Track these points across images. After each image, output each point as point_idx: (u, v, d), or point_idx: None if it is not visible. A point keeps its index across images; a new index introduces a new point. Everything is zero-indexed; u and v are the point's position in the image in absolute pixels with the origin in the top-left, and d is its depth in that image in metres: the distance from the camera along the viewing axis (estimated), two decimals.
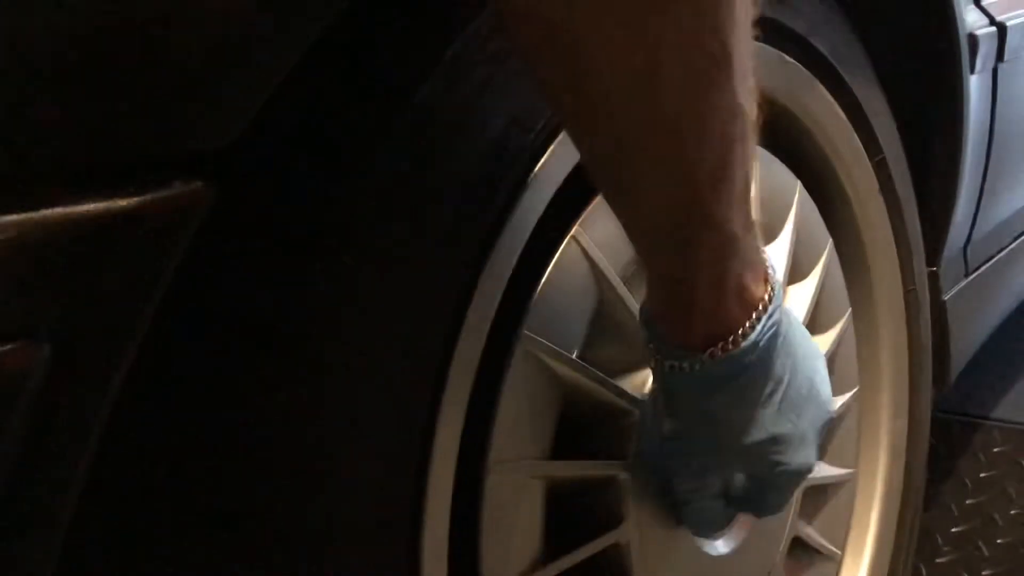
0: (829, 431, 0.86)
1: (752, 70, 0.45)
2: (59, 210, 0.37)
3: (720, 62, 0.42)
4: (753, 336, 0.53)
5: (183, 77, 0.39)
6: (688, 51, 0.41)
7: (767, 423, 0.57)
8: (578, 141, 0.47)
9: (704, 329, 0.53)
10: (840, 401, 0.86)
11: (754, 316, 0.53)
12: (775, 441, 0.58)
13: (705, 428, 0.58)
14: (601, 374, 0.62)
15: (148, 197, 0.38)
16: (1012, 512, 1.31)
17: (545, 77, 0.44)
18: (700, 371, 0.54)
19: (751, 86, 0.45)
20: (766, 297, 0.54)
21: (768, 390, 0.57)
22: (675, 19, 0.40)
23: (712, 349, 0.53)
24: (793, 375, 0.58)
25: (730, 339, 0.53)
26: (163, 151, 0.39)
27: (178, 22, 0.38)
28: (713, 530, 0.65)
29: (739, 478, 0.64)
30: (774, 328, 0.55)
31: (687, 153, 0.45)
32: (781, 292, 0.55)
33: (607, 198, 0.49)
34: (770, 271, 0.55)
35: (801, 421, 0.59)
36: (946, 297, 1.04)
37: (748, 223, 0.50)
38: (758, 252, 0.54)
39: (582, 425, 0.63)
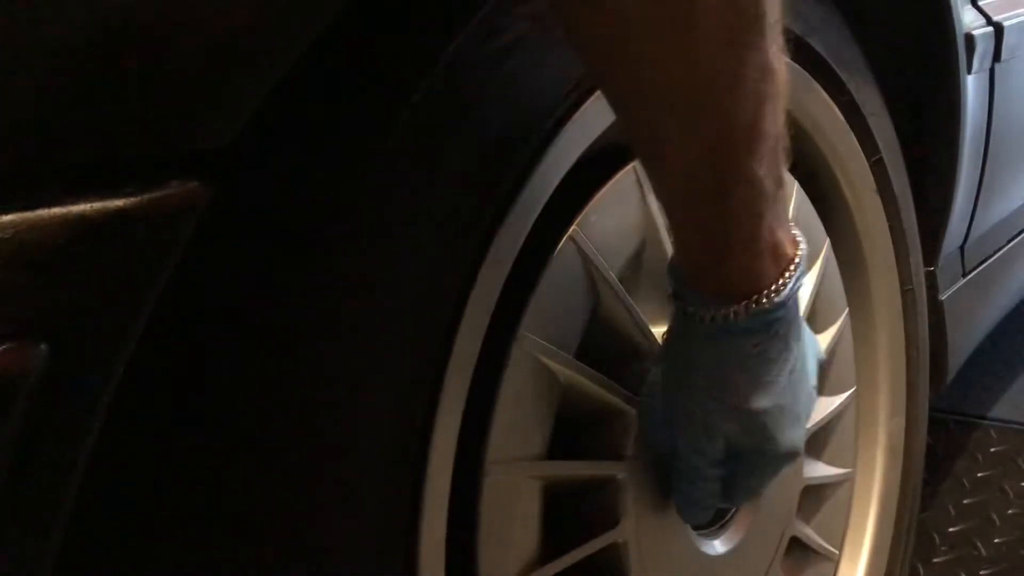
0: (824, 430, 0.86)
1: (781, 33, 0.47)
2: (56, 210, 0.36)
3: (754, 21, 0.44)
4: (784, 294, 0.55)
5: (181, 77, 0.39)
6: (724, 8, 0.43)
7: (775, 391, 0.58)
8: (615, 100, 0.49)
9: (739, 281, 0.54)
10: (838, 401, 0.86)
11: (785, 275, 0.55)
12: (778, 411, 0.59)
13: (716, 384, 0.58)
14: (599, 374, 0.62)
15: (145, 197, 0.38)
16: (1009, 512, 1.31)
17: (584, 37, 0.46)
18: (729, 323, 0.55)
19: (781, 47, 0.47)
20: (796, 259, 0.56)
21: (783, 357, 0.58)
22: None
23: (746, 302, 0.54)
24: (801, 350, 0.59)
25: (763, 294, 0.54)
26: (160, 151, 0.39)
27: (176, 21, 0.38)
28: (702, 511, 0.65)
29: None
30: (798, 292, 0.56)
31: (723, 108, 0.46)
32: (806, 258, 0.57)
33: (642, 154, 0.51)
34: (798, 236, 0.56)
35: (800, 398, 0.60)
36: (943, 297, 1.04)
37: (780, 181, 0.52)
38: (787, 213, 0.55)
39: (580, 425, 0.63)
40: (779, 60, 0.47)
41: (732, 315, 0.55)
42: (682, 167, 0.49)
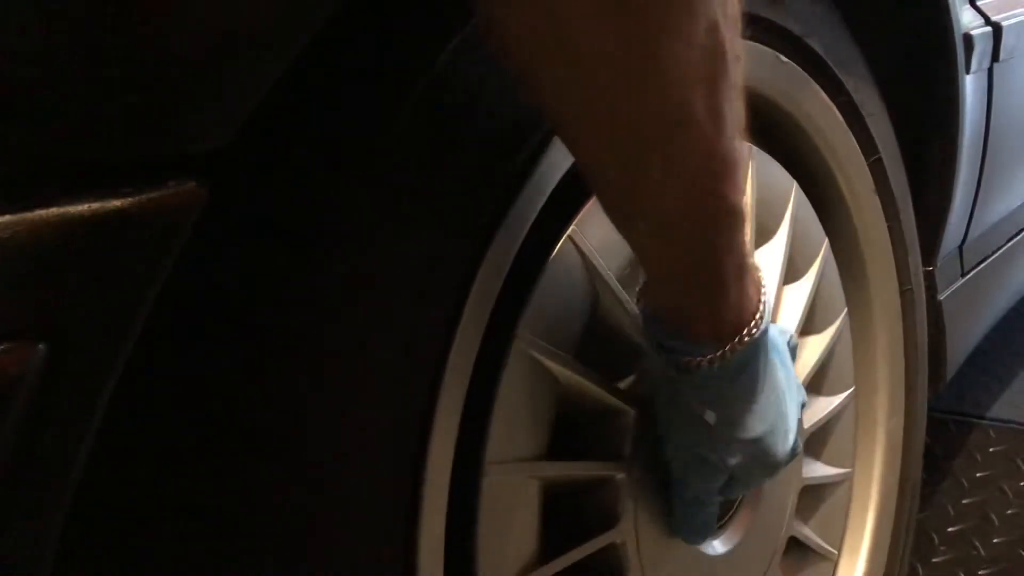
0: (823, 431, 0.86)
1: (743, 61, 0.46)
2: (54, 210, 0.36)
3: (718, 56, 0.44)
4: (766, 317, 0.54)
5: (178, 77, 0.39)
6: (697, 52, 0.42)
7: (771, 412, 0.58)
8: (587, 151, 0.47)
9: (733, 318, 0.53)
10: (836, 401, 0.86)
11: (762, 295, 0.55)
12: (777, 428, 0.59)
13: (724, 423, 0.58)
14: (598, 374, 0.62)
15: (143, 197, 0.38)
16: (1008, 511, 1.31)
17: (554, 91, 0.44)
18: (723, 364, 0.54)
19: (742, 71, 0.47)
20: (763, 286, 0.55)
21: (771, 375, 0.57)
22: (685, 23, 0.41)
23: (739, 337, 0.53)
24: (782, 358, 0.59)
25: (752, 324, 0.54)
26: (158, 151, 0.39)
27: (173, 21, 0.38)
28: (705, 533, 0.65)
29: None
30: (768, 311, 0.56)
31: (696, 144, 0.45)
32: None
33: (619, 205, 0.49)
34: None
35: (792, 405, 0.60)
36: (942, 297, 1.05)
37: (742, 206, 0.51)
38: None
39: (579, 425, 0.63)
40: (739, 89, 0.47)
41: (729, 352, 0.54)
42: (664, 208, 0.48)
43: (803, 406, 0.65)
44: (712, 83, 0.44)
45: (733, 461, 0.60)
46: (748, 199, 0.74)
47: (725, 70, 0.44)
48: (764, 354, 0.56)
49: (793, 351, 0.66)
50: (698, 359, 0.55)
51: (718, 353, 0.54)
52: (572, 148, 0.48)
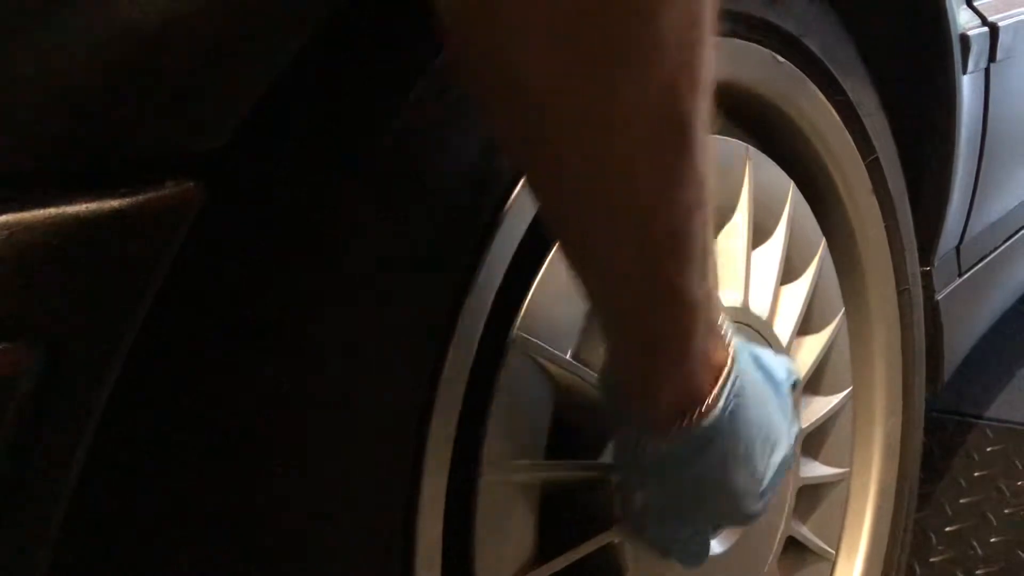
0: (821, 430, 0.86)
1: (710, 141, 0.44)
2: (51, 210, 0.36)
3: (680, 129, 0.42)
4: (720, 404, 0.53)
5: (175, 77, 0.39)
6: (648, 113, 0.40)
7: (737, 481, 0.57)
8: (541, 200, 0.46)
9: (673, 401, 0.52)
10: (834, 401, 0.87)
11: (719, 383, 0.53)
12: (744, 494, 0.58)
13: (676, 498, 0.58)
14: (595, 375, 0.62)
15: (140, 197, 0.38)
16: (1006, 511, 1.32)
17: (505, 129, 0.44)
18: (672, 446, 0.53)
19: (711, 155, 0.44)
20: (728, 361, 0.53)
21: (734, 452, 0.56)
22: (637, 79, 0.39)
23: (682, 420, 0.52)
24: (755, 429, 0.57)
25: (699, 409, 0.52)
26: (155, 151, 0.39)
27: (170, 22, 0.38)
28: (703, 561, 0.65)
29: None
30: (738, 391, 0.54)
31: (649, 217, 0.44)
32: (738, 352, 0.55)
33: (571, 259, 0.48)
34: (728, 333, 0.54)
35: (762, 466, 0.59)
36: (939, 297, 1.05)
37: (709, 290, 0.49)
38: (718, 316, 0.53)
39: (576, 426, 0.63)
40: (709, 169, 0.44)
41: (674, 437, 0.53)
42: (610, 276, 0.47)
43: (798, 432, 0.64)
44: (670, 161, 0.42)
45: (714, 520, 0.61)
46: (742, 204, 0.74)
47: (687, 150, 0.42)
48: (724, 435, 0.54)
49: (793, 385, 0.65)
50: (643, 440, 0.54)
51: (657, 440, 0.53)
52: (536, 200, 0.47)
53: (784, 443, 0.61)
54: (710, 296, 0.50)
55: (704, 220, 0.46)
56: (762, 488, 0.60)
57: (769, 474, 0.60)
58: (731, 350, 0.54)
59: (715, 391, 0.53)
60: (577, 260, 0.48)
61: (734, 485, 0.57)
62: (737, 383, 0.54)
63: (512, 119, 0.42)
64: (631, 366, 0.52)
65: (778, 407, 0.61)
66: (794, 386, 0.66)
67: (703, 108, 0.42)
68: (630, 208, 0.43)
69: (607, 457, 0.62)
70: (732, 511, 0.59)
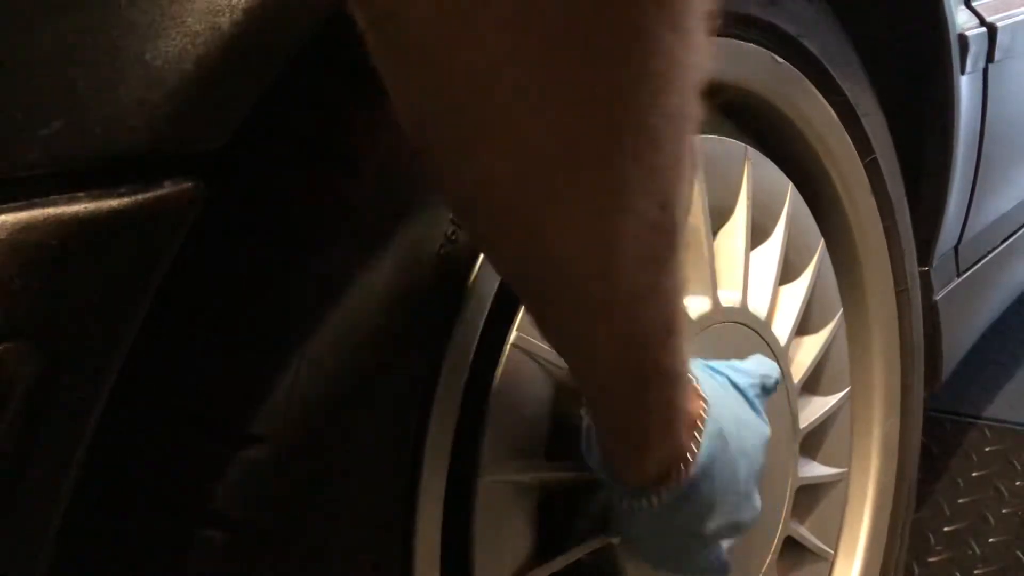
0: (819, 430, 0.86)
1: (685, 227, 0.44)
2: (50, 210, 0.36)
3: (669, 232, 0.42)
4: (701, 455, 0.55)
5: (174, 77, 0.39)
6: (642, 228, 0.40)
7: (723, 514, 0.60)
8: (532, 311, 0.47)
9: (659, 463, 0.55)
10: (833, 401, 0.87)
11: (697, 436, 0.55)
12: (731, 524, 0.61)
13: (667, 540, 0.61)
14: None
15: (139, 197, 0.38)
16: (1004, 511, 1.32)
17: (499, 258, 0.44)
18: (659, 503, 0.56)
19: (686, 244, 0.45)
20: (702, 411, 0.56)
21: (718, 492, 0.58)
22: (633, 213, 0.39)
23: (667, 480, 0.55)
24: (733, 462, 0.59)
25: (681, 467, 0.55)
26: (154, 151, 0.39)
27: (169, 22, 0.38)
28: (728, 572, 0.66)
29: None
30: (715, 438, 0.56)
31: (640, 320, 0.45)
32: (710, 400, 0.57)
33: (558, 349, 0.50)
34: (699, 387, 0.56)
35: (744, 488, 0.61)
36: (937, 297, 1.05)
37: (685, 361, 0.51)
38: (689, 379, 0.55)
39: (574, 426, 0.63)
40: (684, 255, 0.45)
41: (659, 498, 0.55)
42: (598, 369, 0.49)
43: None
44: (660, 260, 0.43)
45: (704, 562, 0.62)
46: (741, 205, 0.74)
47: (674, 247, 0.43)
48: (706, 480, 0.57)
49: (771, 389, 0.67)
50: (628, 503, 0.57)
51: (646, 500, 0.56)
52: (527, 309, 0.48)
53: (761, 448, 0.63)
54: (685, 364, 0.52)
55: (682, 301, 0.47)
56: (748, 496, 0.62)
57: (751, 487, 0.62)
58: (704, 405, 0.56)
59: (696, 444, 0.55)
60: (569, 354, 0.49)
61: (721, 511, 0.60)
62: (714, 426, 0.56)
63: (511, 253, 0.43)
64: (621, 438, 0.54)
65: (745, 416, 0.63)
66: (775, 386, 0.67)
67: (684, 211, 0.42)
68: (626, 316, 0.45)
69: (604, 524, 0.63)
70: (729, 532, 0.62)
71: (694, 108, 0.38)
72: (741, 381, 0.63)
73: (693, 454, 0.55)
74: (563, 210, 0.38)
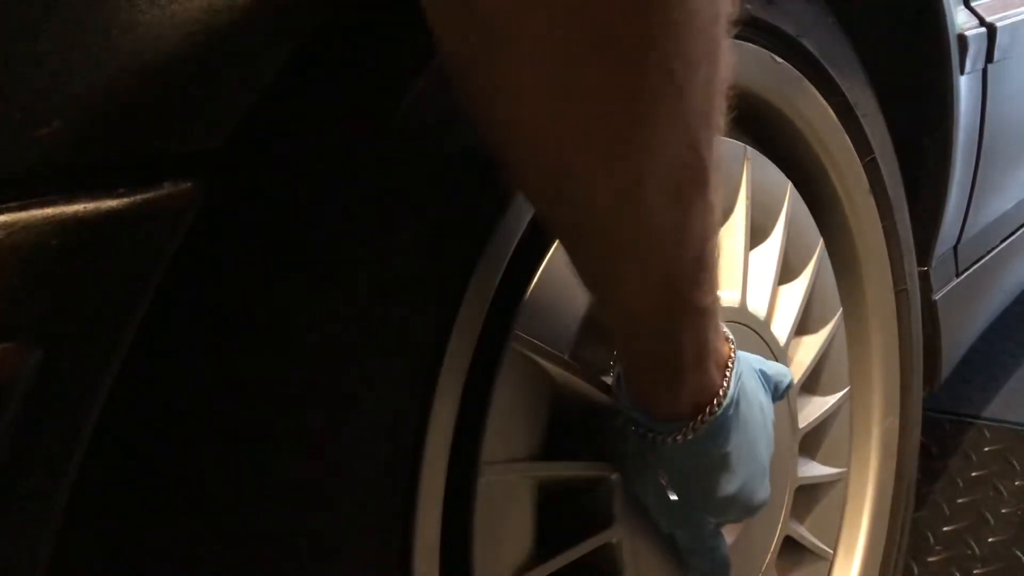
0: (818, 430, 0.86)
1: (720, 166, 0.46)
2: (49, 211, 0.36)
3: (698, 170, 0.44)
4: (730, 392, 0.57)
5: (172, 77, 0.39)
6: (669, 165, 0.43)
7: (742, 468, 0.61)
8: (562, 240, 0.49)
9: (692, 399, 0.56)
10: (832, 401, 0.87)
11: (727, 374, 0.57)
12: (748, 482, 0.62)
13: (686, 491, 0.61)
14: (593, 374, 0.62)
15: (138, 198, 0.38)
16: (1003, 511, 1.32)
17: (531, 194, 0.46)
18: (690, 439, 0.57)
19: (720, 181, 0.47)
20: (731, 352, 0.58)
21: (742, 435, 0.59)
22: (657, 137, 0.41)
23: (702, 414, 0.56)
24: (753, 413, 0.61)
25: (714, 402, 0.56)
26: (153, 152, 0.39)
27: (168, 21, 0.38)
28: (727, 570, 0.67)
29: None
30: (739, 380, 0.58)
31: (671, 251, 0.47)
32: (736, 348, 0.59)
33: (590, 289, 0.51)
34: (726, 330, 0.58)
35: (763, 453, 0.63)
36: (937, 297, 1.05)
37: (717, 297, 0.53)
38: (719, 316, 0.56)
39: (574, 425, 0.63)
40: (718, 195, 0.47)
41: (690, 431, 0.56)
42: (631, 306, 0.50)
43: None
44: (689, 198, 0.45)
45: (708, 517, 0.63)
46: (740, 205, 0.74)
47: (704, 185, 0.45)
48: (736, 417, 0.58)
49: (781, 394, 0.68)
50: (660, 436, 0.57)
51: (678, 433, 0.57)
52: (557, 237, 0.50)
53: (770, 430, 0.65)
54: (717, 300, 0.53)
55: (716, 242, 0.49)
56: (766, 467, 0.63)
57: (767, 459, 0.63)
58: (732, 344, 0.58)
59: (725, 382, 0.57)
60: (602, 292, 0.51)
61: (744, 467, 0.60)
62: (739, 371, 0.58)
63: (543, 188, 0.45)
64: (655, 379, 0.56)
65: (768, 403, 0.65)
66: (785, 391, 0.69)
67: (716, 146, 0.45)
68: (657, 248, 0.46)
69: (611, 456, 0.63)
70: (742, 504, 0.62)
71: (718, 56, 0.41)
72: (749, 379, 0.64)
73: (724, 391, 0.56)
74: (592, 143, 0.41)
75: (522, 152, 0.43)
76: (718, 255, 0.51)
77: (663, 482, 0.60)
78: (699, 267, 0.49)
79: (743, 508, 0.63)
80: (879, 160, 0.89)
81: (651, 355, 0.54)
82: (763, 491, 0.64)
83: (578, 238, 0.47)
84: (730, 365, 0.57)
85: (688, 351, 0.53)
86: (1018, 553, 1.24)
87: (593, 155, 0.41)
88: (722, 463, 0.59)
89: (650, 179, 0.43)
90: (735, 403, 0.58)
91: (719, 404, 0.56)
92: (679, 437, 0.57)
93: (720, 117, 0.44)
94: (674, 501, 0.61)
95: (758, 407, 0.62)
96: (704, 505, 0.62)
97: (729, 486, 0.60)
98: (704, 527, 0.64)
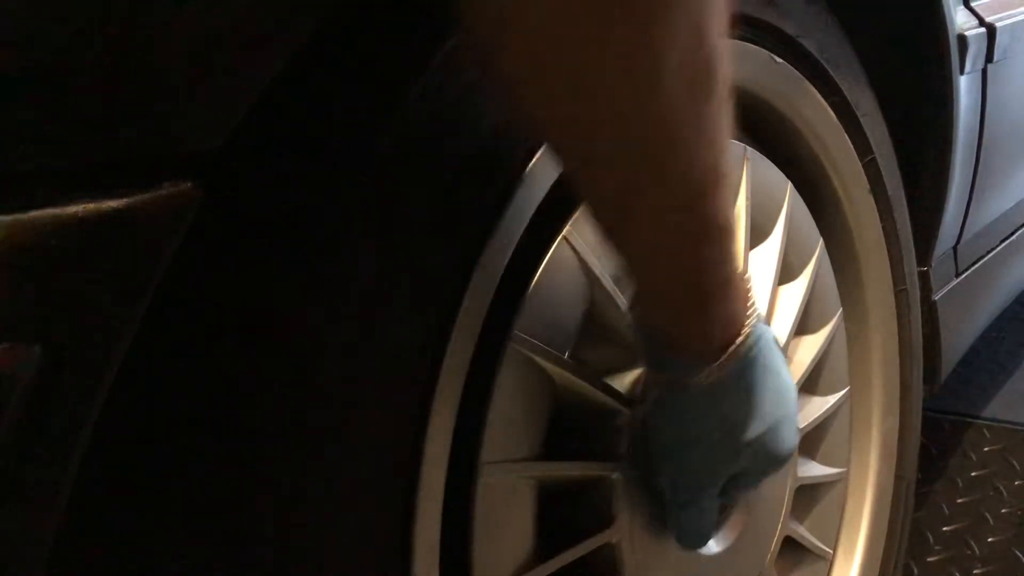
0: (818, 430, 0.86)
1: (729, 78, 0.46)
2: (49, 211, 0.37)
3: (711, 67, 0.44)
4: (755, 327, 0.55)
5: (172, 78, 0.39)
6: (686, 58, 0.42)
7: (769, 412, 0.59)
8: (572, 160, 0.48)
9: (721, 332, 0.54)
10: (831, 400, 0.87)
11: (749, 309, 0.55)
12: (773, 429, 0.60)
13: (708, 434, 0.59)
14: (592, 374, 0.62)
15: (138, 198, 0.38)
16: (1003, 511, 1.32)
17: (550, 113, 0.45)
18: (715, 379, 0.55)
19: (730, 91, 0.47)
20: (750, 287, 0.56)
21: (767, 374, 0.58)
22: (672, 28, 0.41)
23: (729, 350, 0.54)
24: (776, 360, 0.59)
25: (741, 336, 0.55)
26: (153, 152, 0.39)
27: (167, 22, 0.38)
28: (705, 539, 0.65)
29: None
30: (760, 319, 0.56)
31: (688, 156, 0.46)
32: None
33: (606, 217, 0.50)
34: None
35: (789, 401, 0.61)
36: (936, 297, 1.05)
37: (731, 214, 0.52)
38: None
39: (573, 425, 0.63)
40: (728, 99, 0.47)
41: (719, 368, 0.55)
42: (652, 222, 0.49)
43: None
44: (701, 97, 0.44)
45: (734, 466, 0.61)
46: (740, 205, 0.74)
47: (715, 81, 0.45)
48: (761, 357, 0.57)
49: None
50: (689, 376, 0.55)
51: (707, 370, 0.55)
52: (560, 159, 0.48)
53: (792, 385, 0.62)
54: (732, 216, 0.52)
55: (727, 148, 0.48)
56: (791, 415, 0.61)
57: (794, 409, 0.61)
58: (748, 273, 0.57)
59: (748, 317, 0.55)
60: (620, 214, 0.49)
61: (771, 411, 0.59)
62: (759, 313, 0.57)
63: (554, 97, 0.43)
64: (684, 309, 0.54)
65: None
66: None
67: (725, 48, 0.44)
68: (673, 154, 0.45)
69: (631, 392, 0.62)
70: (770, 443, 0.60)
71: None
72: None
73: (747, 328, 0.55)
74: (603, 35, 0.41)
75: (541, 57, 0.42)
76: (731, 173, 0.50)
77: (691, 419, 0.58)
78: (715, 177, 0.48)
79: (769, 457, 0.61)
80: (879, 160, 0.89)
81: (674, 285, 0.52)
82: (791, 438, 0.62)
83: (596, 158, 0.46)
84: (752, 302, 0.56)
85: (710, 274, 0.52)
86: (1018, 553, 1.24)
87: (611, 45, 0.41)
88: (749, 404, 0.58)
89: (666, 71, 0.42)
90: (759, 343, 0.56)
91: (746, 338, 0.55)
92: (707, 376, 0.55)
93: (724, 23, 0.44)
94: (697, 449, 0.59)
95: (780, 358, 0.60)
96: (728, 453, 0.60)
97: (756, 429, 0.58)
98: (714, 483, 0.62)
